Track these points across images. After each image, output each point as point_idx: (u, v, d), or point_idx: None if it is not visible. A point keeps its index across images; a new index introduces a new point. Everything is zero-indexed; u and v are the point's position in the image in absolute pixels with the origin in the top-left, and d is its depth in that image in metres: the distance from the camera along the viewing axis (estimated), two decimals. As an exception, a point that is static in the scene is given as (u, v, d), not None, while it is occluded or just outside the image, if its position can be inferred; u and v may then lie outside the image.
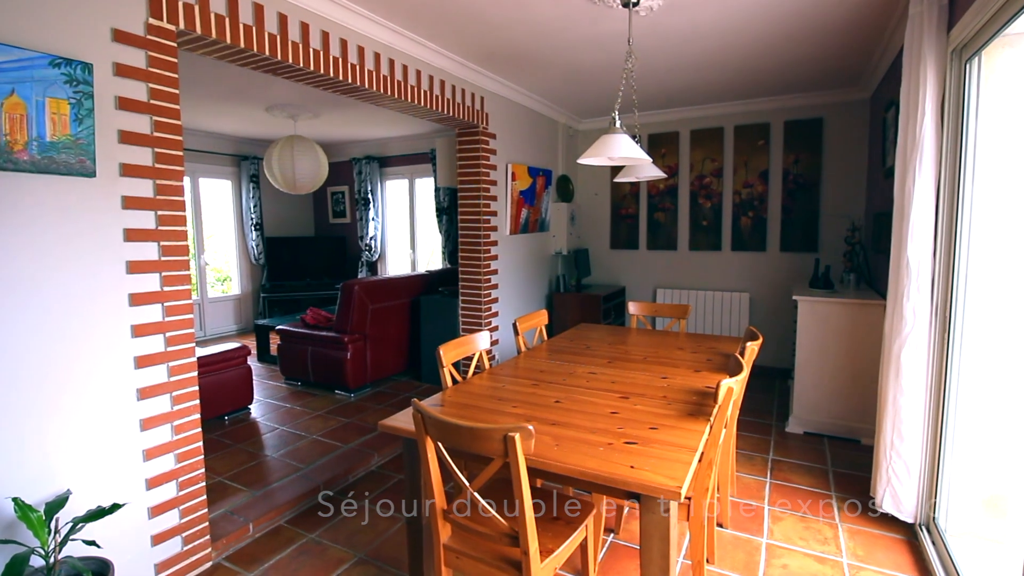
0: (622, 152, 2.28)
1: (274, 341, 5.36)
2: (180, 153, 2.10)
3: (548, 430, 1.73)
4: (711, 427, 1.76)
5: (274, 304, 7.15)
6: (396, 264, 7.53)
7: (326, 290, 7.23)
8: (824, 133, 4.60)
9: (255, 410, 4.01)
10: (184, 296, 2.14)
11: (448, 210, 6.41)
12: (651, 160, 2.57)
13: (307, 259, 7.41)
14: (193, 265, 6.70)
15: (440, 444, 1.54)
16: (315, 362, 4.34)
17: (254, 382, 4.72)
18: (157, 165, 2.02)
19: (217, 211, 7.10)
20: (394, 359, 4.58)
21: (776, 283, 4.92)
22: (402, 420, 1.84)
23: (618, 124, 2.38)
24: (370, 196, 7.11)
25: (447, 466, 1.54)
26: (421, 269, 7.19)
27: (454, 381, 2.32)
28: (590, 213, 5.79)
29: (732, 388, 1.80)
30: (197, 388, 2.20)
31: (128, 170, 1.94)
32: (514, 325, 2.87)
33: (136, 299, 1.98)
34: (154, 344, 2.05)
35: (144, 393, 2.02)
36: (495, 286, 4.31)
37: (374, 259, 7.31)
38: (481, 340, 2.60)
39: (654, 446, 1.60)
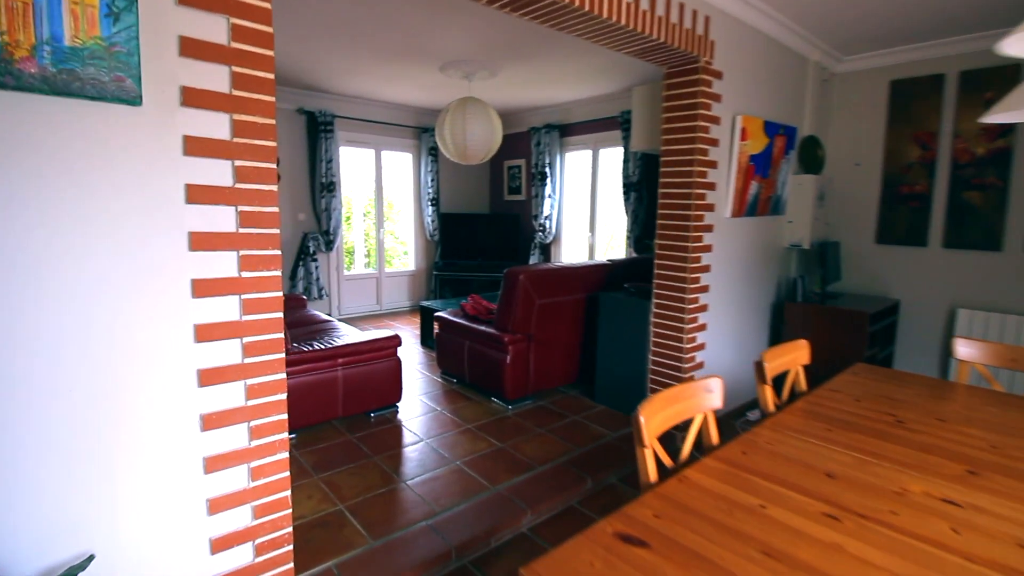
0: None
1: (435, 327, 4.89)
2: (270, 76, 1.42)
3: None
4: None
5: (445, 283, 6.85)
6: (572, 248, 6.67)
7: (497, 272, 6.70)
8: None
9: (403, 408, 3.49)
10: (272, 286, 1.48)
11: (639, 185, 5.31)
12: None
13: (480, 237, 6.96)
14: (373, 239, 6.67)
15: None
16: (472, 359, 3.68)
17: (412, 371, 4.28)
18: (235, 92, 1.36)
19: (398, 185, 6.98)
20: (562, 367, 3.72)
21: None
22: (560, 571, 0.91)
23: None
24: (547, 170, 6.32)
25: None
26: (600, 256, 6.22)
27: (660, 468, 1.34)
28: (846, 191, 4.20)
29: None
30: (286, 416, 1.56)
31: (192, 97, 1.30)
32: (759, 366, 1.76)
33: (201, 288, 1.36)
34: (226, 352, 1.42)
35: (209, 422, 1.41)
36: (704, 288, 3.15)
37: (548, 241, 6.55)
38: (707, 393, 1.56)
39: None
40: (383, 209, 6.66)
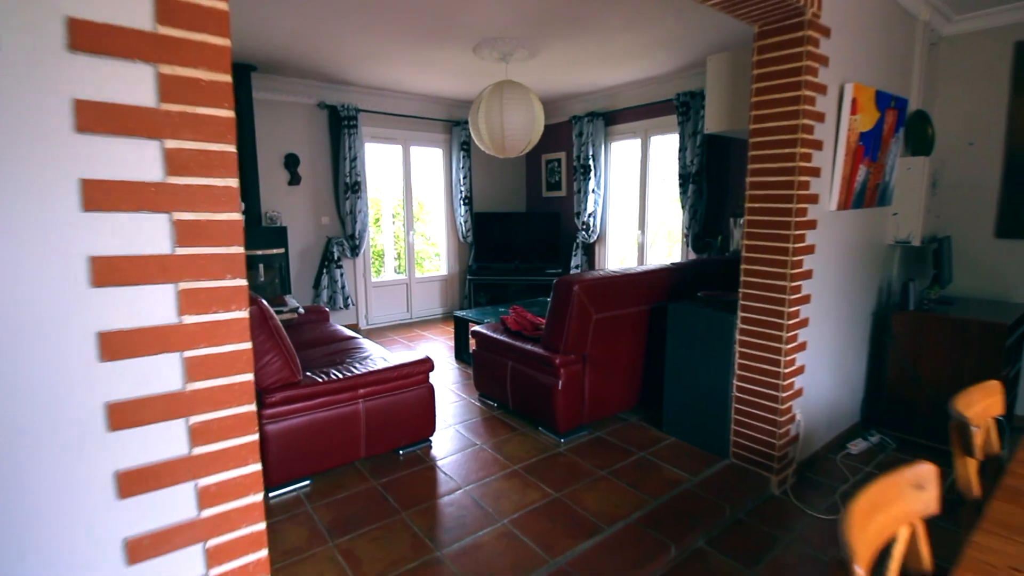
0: None
1: (472, 342, 4.38)
2: (223, 5, 0.90)
3: None
4: None
5: (480, 288, 6.35)
6: (618, 248, 6.06)
7: (536, 275, 6.15)
8: None
9: (437, 443, 2.98)
10: (235, 335, 0.97)
11: (698, 176, 4.66)
12: None
13: (517, 238, 6.43)
14: (403, 242, 6.21)
15: None
16: (516, 383, 3.15)
17: (446, 391, 3.77)
18: (163, 30, 0.85)
19: (428, 183, 6.50)
20: (621, 391, 3.15)
21: None
22: None
23: None
24: (591, 162, 5.73)
25: None
26: (651, 257, 5.59)
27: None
28: (957, 176, 3.48)
29: None
30: (262, 527, 1.05)
31: (87, 37, 0.80)
32: (958, 420, 1.16)
33: (113, 345, 0.86)
34: (160, 443, 0.92)
35: (133, 550, 0.91)
36: (805, 299, 2.53)
37: (591, 241, 5.96)
38: (917, 492, 0.97)
39: None
40: (412, 210, 6.19)
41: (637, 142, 5.51)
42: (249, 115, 4.72)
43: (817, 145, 2.42)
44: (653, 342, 3.20)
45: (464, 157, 6.18)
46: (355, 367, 2.69)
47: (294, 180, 5.25)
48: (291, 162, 5.21)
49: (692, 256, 4.96)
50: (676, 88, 4.83)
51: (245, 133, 4.71)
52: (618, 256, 6.07)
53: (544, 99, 5.96)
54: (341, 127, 5.26)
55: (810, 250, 2.50)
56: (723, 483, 2.55)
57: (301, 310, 4.16)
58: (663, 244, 5.69)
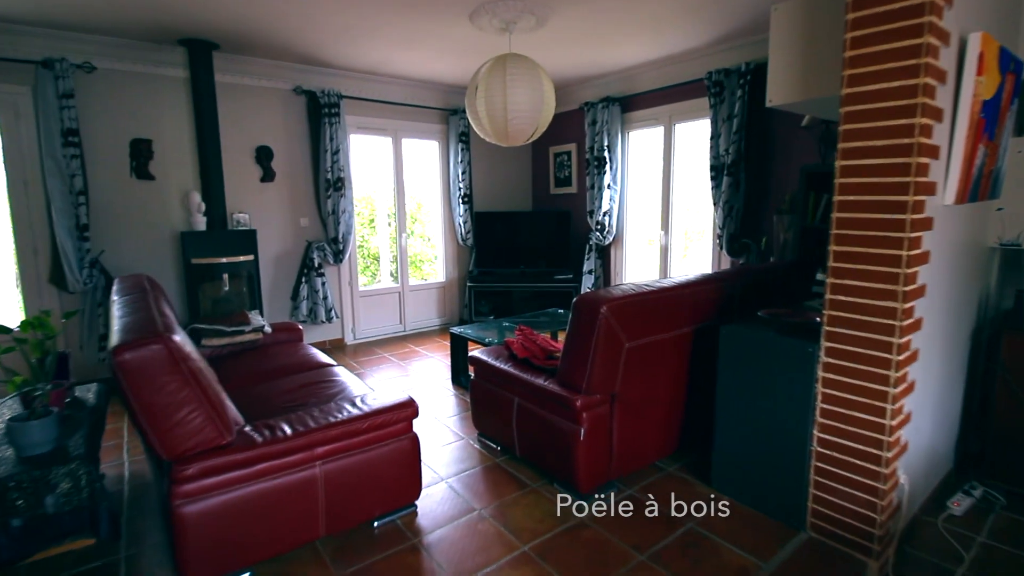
0: None
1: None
2: None
3: None
4: None
5: (481, 296, 5.69)
6: (638, 251, 5.40)
7: (544, 281, 5.50)
8: None
9: (424, 508, 2.33)
10: None
11: (734, 167, 4.00)
12: None
13: (522, 240, 5.78)
14: (395, 246, 5.56)
15: None
16: (524, 425, 2.50)
17: (439, 426, 3.12)
18: None
19: (424, 179, 5.85)
20: (658, 436, 2.49)
21: None
22: None
23: None
24: (606, 154, 5.07)
25: None
26: (675, 261, 4.93)
27: None
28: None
29: None
30: None
31: None
32: None
33: None
34: None
35: None
36: (917, 324, 1.87)
37: (607, 243, 5.30)
38: None
39: None
40: (404, 209, 5.54)
41: (659, 130, 4.84)
42: (210, 101, 4.08)
43: (938, 115, 1.76)
44: (697, 371, 2.54)
45: (463, 150, 5.53)
46: (314, 414, 2.04)
47: (267, 176, 4.60)
48: (264, 156, 4.57)
49: (726, 260, 4.29)
50: (707, 65, 4.16)
51: (205, 122, 4.08)
52: (637, 260, 5.40)
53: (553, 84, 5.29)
54: (321, 116, 4.62)
55: (924, 259, 1.84)
56: (805, 571, 1.89)
57: (267, 329, 3.52)
58: (691, 246, 5.02)
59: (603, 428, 2.24)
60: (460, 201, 5.61)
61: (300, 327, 3.75)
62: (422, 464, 2.24)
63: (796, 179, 3.67)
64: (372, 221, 6.20)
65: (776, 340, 2.10)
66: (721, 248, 4.19)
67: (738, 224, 4.09)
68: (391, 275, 5.69)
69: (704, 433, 2.51)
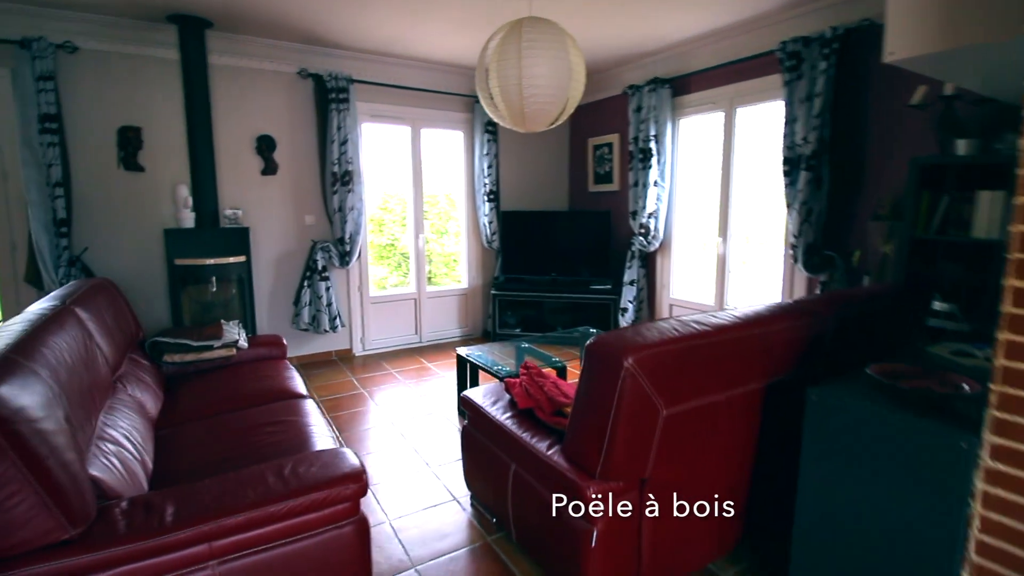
0: None
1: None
2: None
3: None
4: None
5: (507, 306, 5.07)
6: (688, 260, 4.62)
7: (578, 292, 4.83)
8: None
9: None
10: None
11: (815, 159, 3.18)
12: None
13: (555, 244, 5.11)
14: (411, 249, 5.02)
15: None
16: (520, 502, 1.85)
17: (427, 477, 2.48)
18: None
19: (447, 174, 5.28)
20: (708, 533, 1.78)
21: None
22: None
23: None
24: (652, 145, 4.32)
25: None
26: (734, 273, 4.12)
27: None
28: None
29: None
30: None
31: None
32: None
33: None
34: None
35: None
36: None
37: (651, 249, 4.55)
38: None
39: None
40: (422, 207, 4.98)
41: (717, 116, 4.06)
42: (201, 85, 3.64)
43: None
44: (768, 443, 1.81)
45: (489, 141, 4.92)
46: (224, 486, 1.47)
47: (269, 169, 4.14)
48: (265, 146, 4.11)
49: (801, 279, 3.48)
50: (780, 34, 3.36)
51: (196, 108, 3.64)
52: (688, 271, 4.63)
53: (590, 65, 4.59)
54: (328, 102, 4.11)
55: None
56: None
57: (243, 344, 3.02)
58: (754, 256, 4.21)
59: (627, 528, 1.56)
60: (485, 198, 5.00)
61: (284, 343, 3.24)
62: (371, 565, 1.63)
63: (902, 175, 2.84)
64: (404, 219, 5.70)
65: (900, 422, 1.36)
66: (795, 261, 3.38)
67: (818, 232, 3.27)
68: (431, 279, 5.16)
69: (777, 527, 1.78)
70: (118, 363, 2.24)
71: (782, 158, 3.35)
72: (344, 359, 4.61)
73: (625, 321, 4.62)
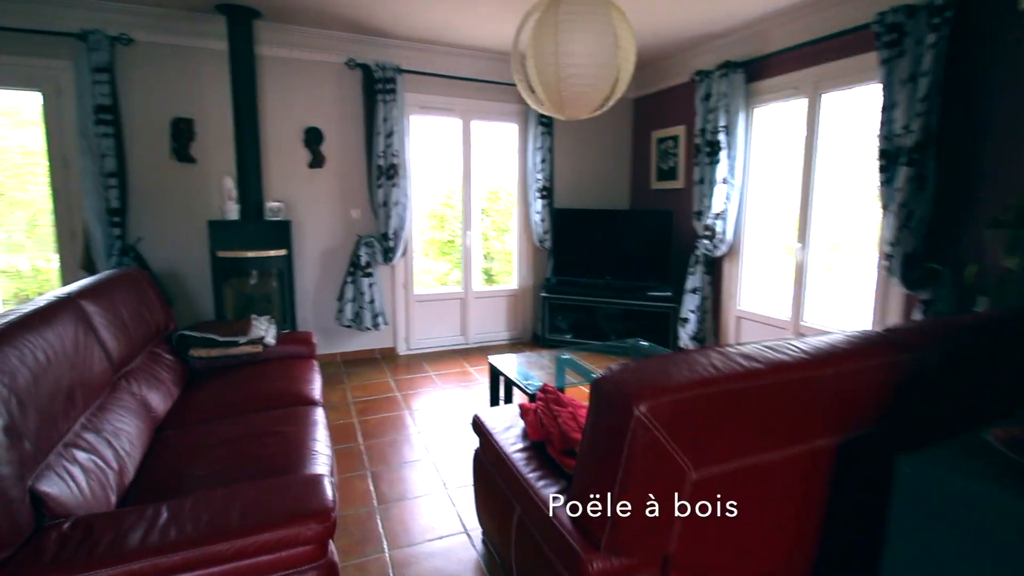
0: None
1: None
2: None
3: None
4: None
5: (558, 310, 4.78)
6: (759, 267, 4.11)
7: (635, 298, 4.45)
8: None
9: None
10: None
11: (919, 151, 2.63)
12: None
13: (612, 245, 4.75)
14: (461, 246, 4.84)
15: None
16: (524, 552, 1.57)
17: (440, 501, 2.25)
18: None
19: (499, 169, 5.05)
20: (754, 615, 1.41)
21: None
22: None
23: None
24: (720, 137, 3.86)
25: None
26: (812, 286, 3.59)
27: None
28: None
29: None
30: None
31: None
32: None
33: None
34: None
35: None
36: None
37: (718, 254, 4.08)
38: None
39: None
40: (470, 203, 4.78)
41: (799, 104, 3.54)
42: (249, 77, 3.61)
43: None
44: (839, 515, 1.41)
45: (543, 134, 4.63)
46: (178, 513, 1.31)
47: (316, 162, 4.09)
48: (313, 138, 4.05)
49: (897, 295, 2.93)
50: (876, 4, 2.82)
51: (242, 99, 3.62)
52: (759, 280, 4.12)
53: (653, 49, 4.17)
54: (375, 92, 3.99)
55: None
56: None
57: (270, 341, 2.94)
58: (840, 265, 3.65)
59: (641, 611, 1.24)
60: (537, 195, 4.72)
61: (314, 341, 3.14)
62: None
63: (1037, 172, 2.27)
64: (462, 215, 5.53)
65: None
66: (890, 274, 2.84)
67: (920, 240, 2.72)
68: (483, 276, 4.98)
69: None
70: (127, 358, 2.18)
71: (877, 151, 2.82)
72: (387, 358, 4.51)
73: (685, 333, 4.18)
